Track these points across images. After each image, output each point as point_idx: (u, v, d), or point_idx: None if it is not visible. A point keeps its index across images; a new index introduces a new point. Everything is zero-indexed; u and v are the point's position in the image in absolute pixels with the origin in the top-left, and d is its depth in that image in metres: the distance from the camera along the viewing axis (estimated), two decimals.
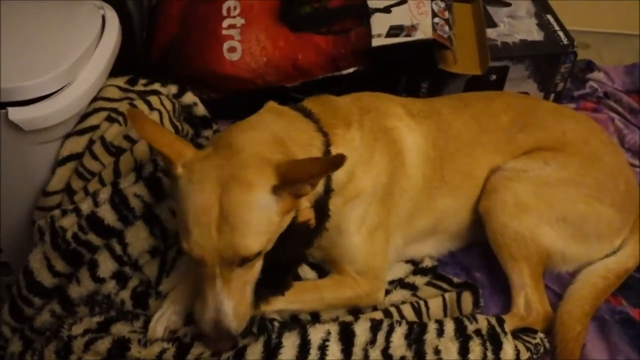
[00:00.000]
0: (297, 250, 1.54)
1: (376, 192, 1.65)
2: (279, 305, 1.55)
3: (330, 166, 1.34)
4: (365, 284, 1.64)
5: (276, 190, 1.35)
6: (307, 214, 1.50)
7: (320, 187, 1.51)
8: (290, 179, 1.34)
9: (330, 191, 1.55)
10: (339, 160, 1.29)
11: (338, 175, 1.55)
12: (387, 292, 1.72)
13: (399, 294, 1.71)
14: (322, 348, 1.43)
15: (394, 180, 1.69)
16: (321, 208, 1.54)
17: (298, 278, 1.65)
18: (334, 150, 1.54)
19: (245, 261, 1.36)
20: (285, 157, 1.40)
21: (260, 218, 1.35)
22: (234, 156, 1.37)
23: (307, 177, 1.36)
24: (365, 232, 1.63)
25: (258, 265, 1.42)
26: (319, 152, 1.52)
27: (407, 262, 1.82)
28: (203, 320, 1.39)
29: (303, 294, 1.60)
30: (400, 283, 1.76)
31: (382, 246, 1.68)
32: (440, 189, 1.77)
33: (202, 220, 1.33)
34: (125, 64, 1.94)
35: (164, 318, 1.51)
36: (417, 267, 1.80)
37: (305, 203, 1.49)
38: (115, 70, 1.88)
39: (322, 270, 1.70)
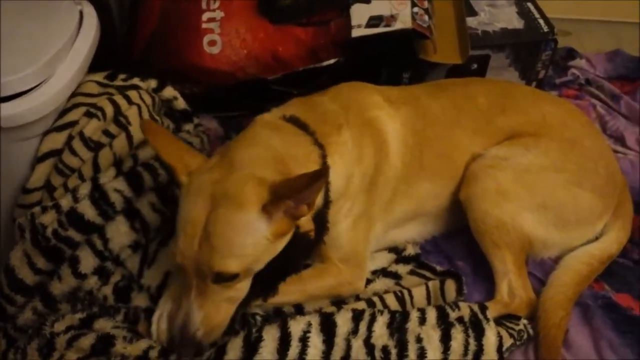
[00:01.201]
0: (296, 261, 1.56)
1: (364, 183, 1.65)
2: (263, 301, 1.57)
3: (315, 179, 1.30)
4: (347, 271, 1.65)
5: (268, 209, 1.34)
6: (307, 225, 1.49)
7: (319, 200, 1.50)
8: (280, 195, 1.33)
9: (329, 202, 1.54)
10: (324, 172, 1.31)
11: (337, 184, 1.55)
12: (370, 282, 1.73)
13: (382, 283, 1.72)
14: (304, 340, 1.43)
15: (379, 170, 1.69)
16: (321, 220, 1.54)
17: None
18: (330, 161, 1.53)
19: (220, 279, 1.36)
20: (284, 177, 1.38)
21: (245, 240, 1.35)
22: (231, 174, 1.38)
23: (296, 192, 1.33)
24: (350, 221, 1.64)
25: (242, 285, 1.42)
26: (316, 166, 1.50)
27: (390, 251, 1.83)
28: (172, 325, 1.43)
29: (286, 287, 1.59)
30: (383, 272, 1.76)
31: (365, 234, 1.69)
32: (418, 175, 1.77)
33: (188, 232, 1.35)
34: (106, 60, 1.93)
35: (164, 318, 1.51)
36: (399, 256, 1.81)
37: (307, 219, 1.48)
38: (96, 65, 1.87)
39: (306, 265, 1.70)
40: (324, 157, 1.53)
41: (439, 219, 1.87)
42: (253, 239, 1.35)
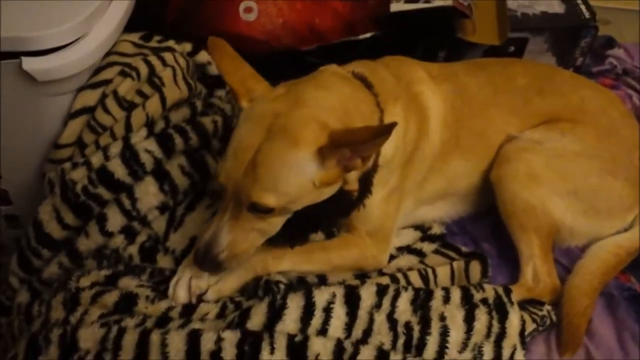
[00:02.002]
0: (332, 217, 1.55)
1: (403, 158, 1.64)
2: (286, 265, 1.56)
3: (380, 133, 1.28)
4: (372, 245, 1.64)
5: (322, 153, 1.32)
6: (352, 186, 1.48)
7: (370, 162, 1.48)
8: (338, 143, 1.31)
9: (376, 167, 1.53)
10: (389, 128, 1.26)
11: (386, 152, 1.54)
12: (394, 258, 1.72)
13: (406, 259, 1.71)
14: (327, 310, 1.43)
15: (418, 147, 1.68)
16: (366, 183, 1.53)
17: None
18: None
19: (255, 209, 1.36)
20: (344, 127, 1.37)
21: (291, 178, 1.34)
22: (295, 109, 1.36)
23: (354, 143, 1.31)
24: (384, 194, 1.63)
25: (275, 220, 1.41)
26: None
27: (416, 229, 1.82)
28: (200, 239, 1.43)
29: (310, 255, 1.60)
30: (408, 249, 1.75)
31: (395, 209, 1.68)
32: (453, 151, 1.75)
33: (238, 156, 1.35)
34: (141, 22, 1.92)
35: (183, 282, 1.51)
36: (425, 234, 1.79)
37: (354, 177, 1.47)
38: (130, 26, 1.86)
39: (331, 233, 1.70)
40: (380, 121, 1.51)
41: (468, 199, 1.86)
42: (299, 179, 1.34)
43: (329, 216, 1.54)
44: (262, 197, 1.33)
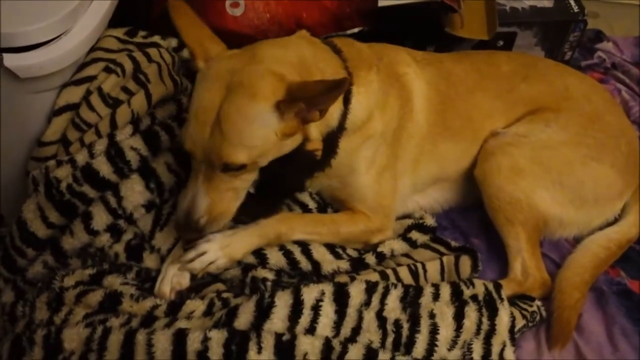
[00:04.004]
0: (297, 177, 1.56)
1: (386, 134, 1.66)
2: (297, 235, 1.59)
3: (335, 87, 1.31)
4: (376, 219, 1.68)
5: (280, 106, 1.34)
6: (315, 144, 1.50)
7: (334, 121, 1.52)
8: (295, 96, 1.33)
9: (343, 129, 1.55)
10: (343, 83, 1.28)
11: (357, 115, 1.56)
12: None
13: (398, 244, 1.70)
14: (316, 308, 1.42)
15: (403, 125, 1.70)
16: (330, 144, 1.54)
17: (303, 207, 1.69)
18: (355, 90, 1.55)
19: (228, 168, 1.37)
20: (302, 79, 1.39)
21: (255, 131, 1.35)
22: (251, 64, 1.38)
23: (310, 95, 1.34)
24: (374, 173, 1.65)
25: (247, 177, 1.43)
26: None
27: (408, 218, 1.82)
28: (178, 208, 1.43)
29: (320, 226, 1.63)
30: (402, 237, 1.74)
31: (390, 188, 1.70)
32: (442, 134, 1.77)
33: (200, 118, 1.35)
34: (127, 17, 1.90)
35: (167, 279, 1.51)
36: (418, 223, 1.77)
37: (317, 135, 1.49)
38: (115, 21, 1.83)
39: (323, 202, 1.73)
40: (350, 84, 1.53)
41: (459, 186, 1.87)
42: (262, 131, 1.36)
43: (294, 176, 1.55)
44: (232, 154, 1.34)
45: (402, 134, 1.70)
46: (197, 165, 1.40)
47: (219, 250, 1.51)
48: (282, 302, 1.41)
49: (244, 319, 1.38)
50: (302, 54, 1.47)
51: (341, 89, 1.31)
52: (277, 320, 1.38)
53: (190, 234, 1.45)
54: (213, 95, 1.35)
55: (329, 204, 1.73)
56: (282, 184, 1.52)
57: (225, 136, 1.33)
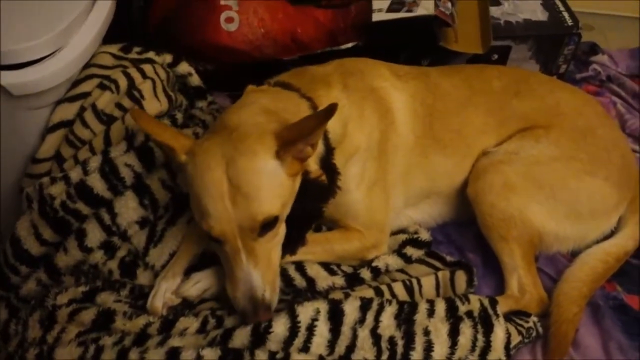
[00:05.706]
0: (314, 206, 1.56)
1: (371, 148, 1.67)
2: (294, 257, 1.59)
3: (324, 117, 1.33)
4: (370, 236, 1.67)
5: (279, 154, 1.36)
6: (317, 173, 1.52)
7: (320, 147, 1.53)
8: (290, 141, 1.35)
9: (331, 149, 1.57)
10: (332, 109, 1.31)
11: (334, 130, 1.57)
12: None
13: (393, 259, 1.69)
14: (310, 328, 1.41)
15: (386, 137, 1.70)
16: (328, 166, 1.56)
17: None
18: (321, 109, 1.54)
19: (265, 228, 1.37)
20: (280, 125, 1.41)
21: (271, 182, 1.37)
22: (232, 132, 1.39)
23: (306, 134, 1.36)
24: (364, 189, 1.66)
25: (280, 231, 1.44)
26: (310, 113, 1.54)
27: (403, 233, 1.81)
28: (236, 297, 1.40)
29: (314, 246, 1.63)
30: (397, 252, 1.73)
31: (382, 202, 1.70)
32: (431, 146, 1.77)
33: (214, 196, 1.34)
34: (121, 33, 1.90)
35: (159, 294, 1.51)
36: (412, 238, 1.77)
37: (314, 165, 1.52)
38: (111, 38, 1.84)
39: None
40: (314, 107, 1.56)
41: (452, 201, 1.86)
42: (276, 179, 1.38)
43: (311, 206, 1.55)
44: (265, 209, 1.35)
45: (387, 147, 1.70)
46: (230, 248, 1.38)
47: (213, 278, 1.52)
48: (280, 326, 1.39)
49: (238, 341, 1.37)
50: (260, 104, 1.51)
51: (331, 114, 1.32)
52: (272, 344, 1.37)
53: (264, 314, 1.40)
54: (215, 173, 1.35)
55: (322, 223, 1.72)
56: (304, 216, 1.52)
57: (249, 197, 1.33)
